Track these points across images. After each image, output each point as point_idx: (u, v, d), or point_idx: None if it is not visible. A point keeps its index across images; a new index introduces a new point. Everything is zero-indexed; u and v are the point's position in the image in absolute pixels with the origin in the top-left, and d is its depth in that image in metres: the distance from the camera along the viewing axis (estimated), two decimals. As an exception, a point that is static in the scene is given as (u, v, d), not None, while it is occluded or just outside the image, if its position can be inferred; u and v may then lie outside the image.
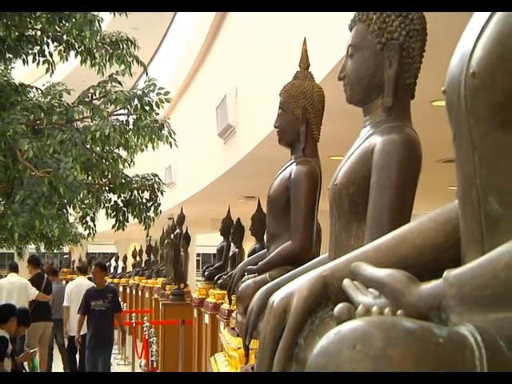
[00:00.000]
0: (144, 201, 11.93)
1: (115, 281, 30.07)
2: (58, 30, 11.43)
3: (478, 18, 1.67)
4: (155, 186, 12.05)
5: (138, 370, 13.60)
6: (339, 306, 1.50)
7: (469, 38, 1.67)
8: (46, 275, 17.47)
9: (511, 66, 1.52)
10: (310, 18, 7.95)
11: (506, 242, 1.47)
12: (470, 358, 1.32)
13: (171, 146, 11.85)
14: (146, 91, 11.80)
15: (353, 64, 3.00)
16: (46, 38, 11.65)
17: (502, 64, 1.54)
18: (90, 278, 16.40)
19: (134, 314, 20.02)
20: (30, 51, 11.75)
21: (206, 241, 34.05)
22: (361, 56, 2.98)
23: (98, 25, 11.47)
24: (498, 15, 1.59)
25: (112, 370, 16.86)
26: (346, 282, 1.62)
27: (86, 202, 11.41)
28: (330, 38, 5.42)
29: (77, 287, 14.99)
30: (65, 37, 11.51)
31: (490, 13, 1.62)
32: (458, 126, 1.69)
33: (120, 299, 24.65)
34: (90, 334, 12.39)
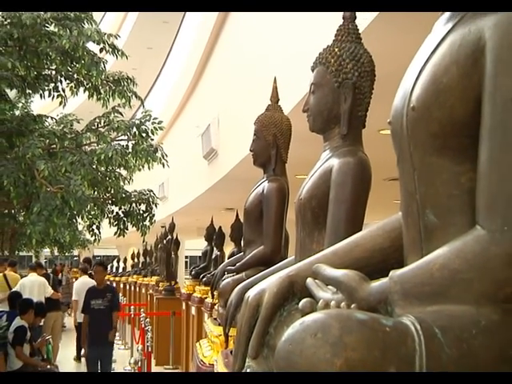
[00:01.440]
0: (141, 212, 11.92)
1: (117, 279, 30.01)
2: (70, 69, 11.46)
3: (417, 62, 1.70)
4: (150, 200, 12.05)
5: (135, 353, 13.52)
6: (303, 300, 1.50)
7: (409, 79, 1.69)
8: (51, 274, 17.53)
9: (444, 102, 1.55)
10: (279, 60, 7.96)
11: (440, 247, 1.49)
12: (411, 343, 1.33)
13: (164, 166, 11.89)
14: (142, 121, 11.85)
15: (315, 99, 3.01)
16: (59, 77, 11.66)
17: (436, 100, 1.56)
18: (91, 276, 16.40)
19: (132, 307, 20.03)
20: (46, 87, 11.74)
21: (193, 245, 33.88)
22: (321, 92, 2.99)
23: (103, 65, 11.50)
24: (432, 60, 1.61)
25: (113, 355, 16.81)
26: (309, 280, 1.62)
27: (92, 213, 11.39)
28: (296, 77, 5.42)
29: (82, 284, 14.96)
30: (75, 75, 11.55)
31: (426, 57, 1.64)
32: (401, 151, 1.71)
33: (120, 295, 24.84)
34: (89, 333, 11.41)
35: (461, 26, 1.59)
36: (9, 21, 10.93)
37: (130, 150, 11.38)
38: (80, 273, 18.31)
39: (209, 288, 7.96)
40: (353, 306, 1.44)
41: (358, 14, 3.15)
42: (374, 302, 1.46)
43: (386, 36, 4.60)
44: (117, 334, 19.83)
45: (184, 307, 13.88)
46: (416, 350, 1.33)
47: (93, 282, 14.94)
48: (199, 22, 15.99)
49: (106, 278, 32.17)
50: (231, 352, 3.52)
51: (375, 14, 4.84)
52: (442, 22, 1.68)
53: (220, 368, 4.19)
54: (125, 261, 32.84)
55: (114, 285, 28.76)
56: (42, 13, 11.14)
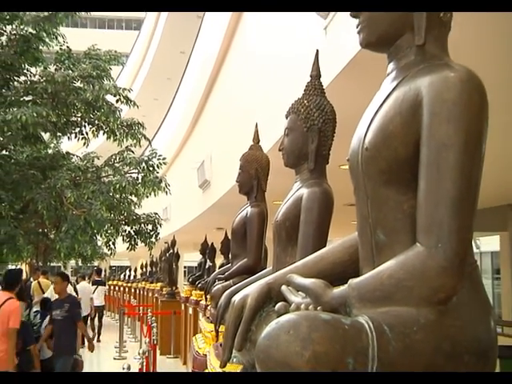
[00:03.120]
0: (148, 231, 11.89)
1: (129, 285, 29.83)
2: (92, 117, 11.48)
3: (369, 112, 1.71)
4: (156, 221, 12.02)
5: (143, 345, 13.42)
6: (279, 304, 1.50)
7: (363, 125, 1.70)
8: (74, 282, 17.60)
9: (390, 145, 1.56)
10: (260, 110, 7.98)
11: (388, 260, 1.50)
12: (366, 338, 1.34)
13: (167, 194, 11.89)
14: (150, 157, 11.86)
15: (288, 141, 3.02)
16: (83, 123, 11.69)
17: (384, 143, 1.57)
18: (96, 282, 16.44)
19: (141, 307, 19.94)
20: (73, 131, 11.77)
21: (190, 258, 33.74)
22: (293, 135, 3.00)
23: (118, 113, 11.53)
24: (381, 111, 1.63)
25: (124, 346, 16.70)
26: (284, 287, 1.62)
27: (109, 231, 11.36)
28: (273, 123, 5.45)
29: (82, 287, 15.11)
30: (96, 121, 11.57)
31: (376, 109, 1.65)
32: (357, 182, 1.71)
33: (131, 297, 24.76)
34: (53, 343, 9.76)
35: (403, 85, 1.60)
36: (44, 78, 10.97)
37: (140, 181, 11.38)
38: (79, 279, 18.30)
39: (203, 292, 7.94)
40: (319, 308, 1.43)
41: (322, 72, 3.17)
42: (336, 305, 1.45)
43: (345, 90, 4.63)
44: (128, 329, 19.82)
45: (183, 308, 13.84)
46: (369, 344, 1.34)
47: (89, 286, 15.07)
48: (196, 79, 16.05)
49: (120, 284, 32.06)
50: (221, 345, 3.50)
51: (338, 71, 4.87)
52: (389, 80, 1.70)
53: (212, 357, 4.18)
54: (135, 270, 32.69)
55: (127, 290, 28.68)
56: (71, 72, 11.18)
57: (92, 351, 10.01)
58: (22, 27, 11.17)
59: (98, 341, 19.71)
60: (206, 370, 4.16)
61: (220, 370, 3.36)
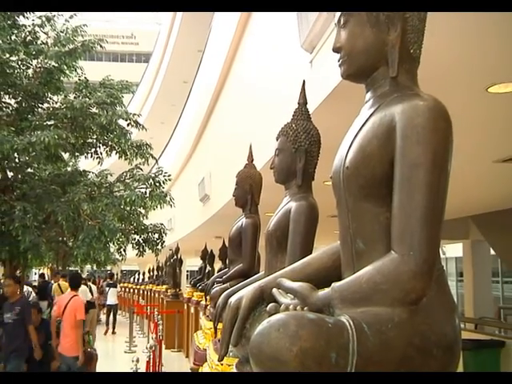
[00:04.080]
0: (155, 239, 11.82)
1: (138, 287, 29.73)
2: (106, 139, 11.46)
3: (349, 135, 1.71)
4: (161, 231, 11.95)
5: (151, 340, 13.37)
6: (270, 305, 1.49)
7: (344, 147, 1.70)
8: (90, 284, 17.52)
9: (368, 164, 1.56)
10: (253, 132, 7.97)
11: (366, 266, 1.50)
12: (347, 335, 1.34)
13: (171, 207, 11.86)
14: (156, 174, 11.82)
15: (278, 160, 3.02)
16: (98, 144, 11.64)
17: (363, 162, 1.57)
18: (109, 284, 16.32)
19: (148, 307, 19.87)
20: (89, 151, 11.72)
21: (192, 263, 33.65)
22: (283, 155, 3.00)
23: (129, 136, 11.53)
24: (360, 134, 1.63)
25: (134, 341, 16.62)
26: (274, 290, 1.62)
27: (120, 240, 11.30)
28: (265, 144, 5.45)
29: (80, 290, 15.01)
30: (109, 143, 11.53)
31: (356, 132, 1.65)
32: (339, 197, 1.71)
33: (140, 298, 24.68)
34: (2, 346, 9.00)
35: (379, 112, 1.61)
36: (64, 105, 10.99)
37: (148, 195, 11.34)
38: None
39: (203, 293, 7.92)
40: (305, 308, 1.43)
41: (308, 99, 3.17)
42: (321, 306, 1.45)
43: (329, 115, 4.63)
44: (136, 326, 19.71)
45: (185, 307, 13.87)
46: (350, 340, 1.34)
47: (86, 289, 14.93)
48: (197, 106, 16.06)
49: (130, 286, 31.88)
50: (219, 340, 3.48)
51: (322, 99, 4.87)
52: (366, 107, 1.70)
53: (211, 352, 4.15)
54: (143, 274, 32.59)
55: (136, 291, 28.57)
56: (88, 99, 11.18)
57: (39, 358, 9.04)
58: (45, 61, 11.21)
59: (113, 333, 19.90)
60: (206, 363, 4.13)
61: (218, 363, 3.35)
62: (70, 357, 8.93)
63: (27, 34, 11.23)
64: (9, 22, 10.84)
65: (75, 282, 9.89)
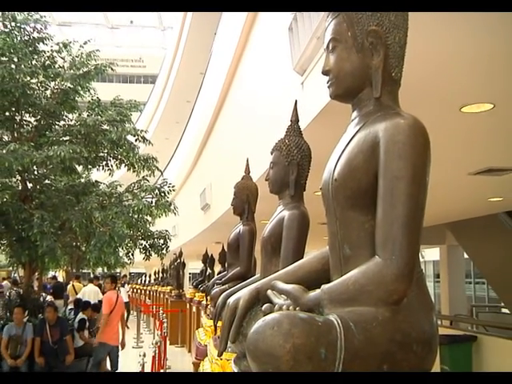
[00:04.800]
0: (160, 244, 11.78)
1: (145, 288, 29.68)
2: (116, 153, 11.43)
3: (337, 150, 1.71)
4: (166, 237, 11.90)
5: (156, 336, 13.32)
6: (265, 305, 1.48)
7: (332, 161, 1.70)
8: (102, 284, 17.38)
9: (354, 177, 1.56)
10: (250, 147, 7.98)
11: (353, 269, 1.49)
12: (335, 332, 1.33)
13: (175, 215, 11.81)
14: (162, 185, 11.81)
15: (272, 172, 3.01)
16: (109, 157, 11.63)
17: (350, 175, 1.57)
18: (99, 286, 16.23)
19: (154, 306, 19.83)
20: (101, 164, 11.70)
21: (194, 266, 33.60)
22: (277, 168, 2.99)
23: (136, 150, 11.52)
24: (347, 150, 1.63)
25: (141, 338, 16.56)
26: (269, 291, 1.60)
27: (128, 245, 11.25)
28: (261, 158, 5.44)
29: (89, 289, 14.90)
30: (119, 156, 11.51)
31: (343, 148, 1.65)
32: (328, 206, 1.70)
33: (147, 298, 24.61)
34: None
35: (364, 129, 1.61)
36: (79, 123, 11.03)
37: (154, 204, 11.30)
38: (87, 282, 18.04)
39: (204, 294, 7.92)
40: (297, 308, 1.42)
41: (300, 117, 3.17)
42: (311, 306, 1.44)
43: (318, 132, 4.63)
44: (144, 324, 19.58)
45: (188, 307, 13.81)
46: (338, 337, 1.33)
47: (96, 289, 14.90)
48: (199, 123, 16.06)
49: (137, 287, 31.77)
50: (218, 337, 3.47)
51: (312, 117, 4.88)
52: (353, 125, 1.70)
53: (211, 347, 4.13)
54: (150, 276, 32.56)
55: (143, 292, 28.50)
56: (100, 117, 11.22)
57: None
58: (62, 83, 11.26)
59: (127, 327, 19.81)
60: (207, 358, 4.11)
61: (218, 358, 3.32)
62: (114, 346, 9.66)
63: (46, 58, 11.32)
64: (30, 48, 10.96)
65: (114, 280, 10.57)
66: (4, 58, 10.50)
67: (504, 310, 13.71)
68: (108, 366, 9.95)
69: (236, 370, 1.73)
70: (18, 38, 10.93)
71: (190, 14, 26.64)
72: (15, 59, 10.64)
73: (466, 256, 15.25)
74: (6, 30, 10.91)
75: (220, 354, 1.80)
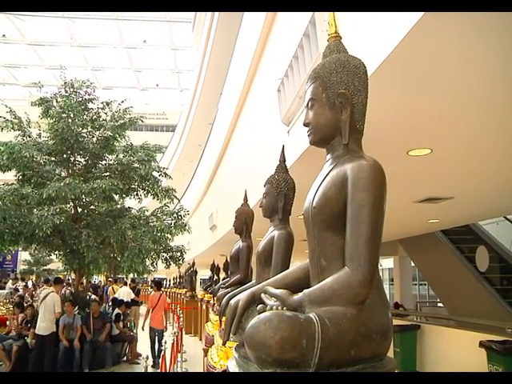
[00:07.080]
0: (177, 256, 11.76)
1: (166, 290, 29.41)
2: (144, 185, 11.47)
3: (315, 184, 1.69)
4: (182, 250, 11.87)
5: (175, 328, 13.14)
6: (259, 306, 1.45)
7: (312, 192, 1.68)
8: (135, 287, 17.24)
9: (328, 205, 1.55)
10: (248, 180, 7.97)
11: (327, 277, 1.47)
12: (314, 327, 1.31)
13: (189, 233, 11.82)
14: (179, 210, 11.83)
15: (265, 201, 2.99)
16: (139, 189, 11.65)
17: (325, 204, 1.56)
18: (133, 288, 16.10)
19: (173, 304, 19.64)
20: (132, 194, 11.72)
21: (204, 273, 33.28)
22: (268, 197, 2.98)
23: (160, 183, 11.57)
24: (323, 184, 1.61)
25: (165, 330, 16.31)
26: (262, 295, 1.57)
27: (153, 257, 11.24)
28: (256, 189, 5.44)
29: (123, 290, 15.00)
30: (146, 188, 11.54)
31: (320, 182, 1.64)
32: (308, 228, 1.69)
33: (167, 297, 24.34)
34: None
35: (336, 168, 1.60)
36: (116, 162, 11.16)
37: (173, 225, 11.34)
38: (121, 284, 17.77)
39: (212, 296, 7.84)
40: (284, 308, 1.40)
41: (286, 158, 3.17)
42: (295, 306, 1.41)
43: (301, 169, 4.63)
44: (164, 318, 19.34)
45: (199, 305, 13.66)
46: (316, 330, 1.31)
47: (129, 290, 14.80)
48: (208, 162, 16.07)
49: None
50: (222, 329, 3.42)
51: (296, 158, 4.88)
52: (327, 165, 1.69)
53: (217, 337, 4.07)
54: (169, 281, 32.33)
55: (164, 293, 28.20)
56: (132, 158, 11.29)
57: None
58: (105, 132, 11.43)
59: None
60: (214, 345, 4.04)
61: (222, 346, 3.27)
62: (160, 329, 10.46)
63: (93, 114, 11.56)
64: (82, 106, 11.27)
65: (159, 285, 11.54)
66: (64, 115, 10.85)
67: (439, 305, 13.78)
68: (138, 349, 10.64)
69: (236, 356, 1.69)
70: (74, 99, 11.28)
71: (201, 79, 26.84)
72: (71, 115, 10.96)
73: (412, 264, 15.28)
74: (66, 94, 11.36)
75: (224, 343, 1.77)
